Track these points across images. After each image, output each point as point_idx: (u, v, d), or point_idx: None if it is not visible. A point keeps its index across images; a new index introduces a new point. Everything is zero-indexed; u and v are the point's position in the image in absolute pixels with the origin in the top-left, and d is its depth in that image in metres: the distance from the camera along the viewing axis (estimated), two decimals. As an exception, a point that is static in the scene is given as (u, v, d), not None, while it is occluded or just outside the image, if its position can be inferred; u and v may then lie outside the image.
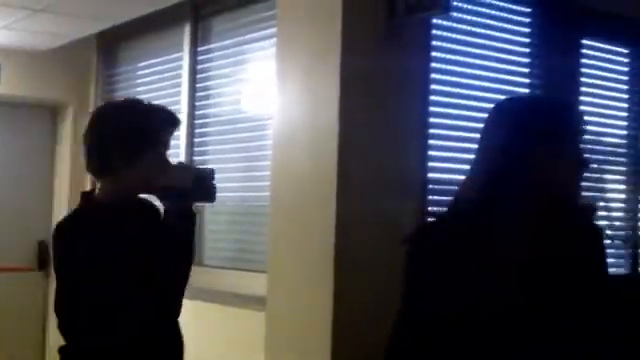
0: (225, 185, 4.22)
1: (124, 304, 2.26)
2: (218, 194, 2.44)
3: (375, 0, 3.60)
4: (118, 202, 2.38)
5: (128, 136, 2.33)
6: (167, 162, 2.39)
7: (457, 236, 1.79)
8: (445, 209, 1.98)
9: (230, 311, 4.31)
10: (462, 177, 4.10)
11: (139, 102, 2.49)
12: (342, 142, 3.50)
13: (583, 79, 4.65)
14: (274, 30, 4.02)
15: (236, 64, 4.55)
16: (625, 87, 4.91)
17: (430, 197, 3.92)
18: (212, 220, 4.75)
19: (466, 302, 1.71)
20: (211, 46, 4.72)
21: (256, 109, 4.47)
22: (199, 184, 2.39)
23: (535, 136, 1.87)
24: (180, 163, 2.69)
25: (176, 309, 2.44)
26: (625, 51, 4.93)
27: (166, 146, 2.40)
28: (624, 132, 4.91)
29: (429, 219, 2.13)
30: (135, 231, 2.35)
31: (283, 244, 3.77)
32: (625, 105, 4.91)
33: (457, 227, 1.82)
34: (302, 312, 3.63)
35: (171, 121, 2.44)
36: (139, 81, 5.46)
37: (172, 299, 2.41)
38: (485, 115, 4.20)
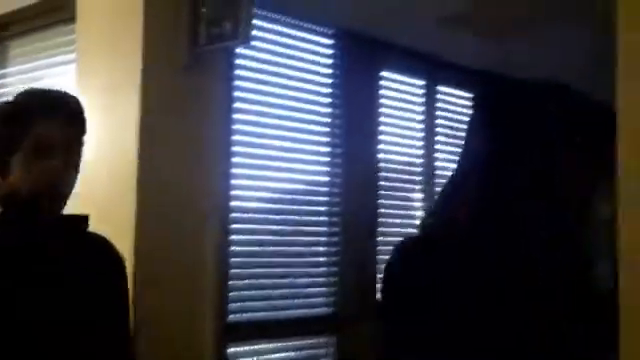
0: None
1: None
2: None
3: (177, 29, 3.60)
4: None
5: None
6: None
7: (446, 255, 1.49)
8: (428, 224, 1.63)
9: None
10: (264, 205, 4.22)
11: None
12: (142, 171, 3.46)
13: (382, 109, 4.86)
14: (73, 56, 3.93)
15: (35, 89, 4.39)
16: (421, 117, 5.18)
17: (233, 226, 3.97)
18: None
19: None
20: (8, 70, 4.54)
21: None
22: None
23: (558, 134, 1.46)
24: None
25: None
26: (421, 83, 5.20)
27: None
28: (419, 160, 5.17)
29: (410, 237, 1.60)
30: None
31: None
32: (420, 135, 5.18)
33: (446, 246, 1.50)
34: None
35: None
36: None
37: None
38: (288, 144, 4.30)
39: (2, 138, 1.98)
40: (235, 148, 4.00)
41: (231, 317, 3.94)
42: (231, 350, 3.93)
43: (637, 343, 1.45)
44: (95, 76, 3.74)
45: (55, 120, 1.99)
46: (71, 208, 3.63)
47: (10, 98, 2.12)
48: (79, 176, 2.27)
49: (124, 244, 3.42)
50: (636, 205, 1.65)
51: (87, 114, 3.47)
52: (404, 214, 5.11)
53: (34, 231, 1.96)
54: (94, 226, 3.61)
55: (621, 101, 2.61)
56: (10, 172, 1.95)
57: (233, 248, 3.97)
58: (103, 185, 3.61)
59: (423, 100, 5.20)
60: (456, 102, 5.43)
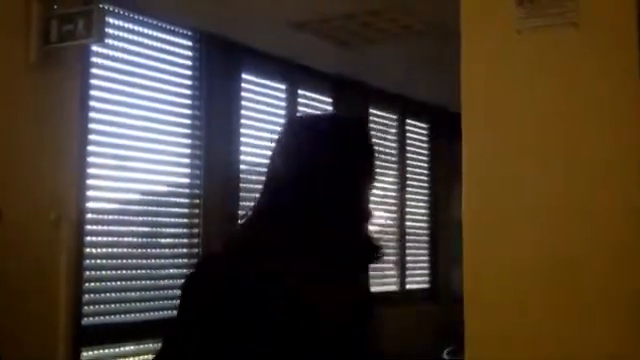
0: None
1: None
2: None
3: (28, 26, 3.51)
4: None
5: None
6: None
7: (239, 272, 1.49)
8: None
9: None
10: (122, 206, 4.16)
11: None
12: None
13: (243, 111, 4.88)
14: None
15: None
16: (282, 120, 5.24)
17: (89, 227, 3.90)
18: None
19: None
20: None
21: None
22: None
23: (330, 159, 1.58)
24: None
25: None
26: (282, 87, 5.25)
27: None
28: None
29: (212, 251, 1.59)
30: None
31: None
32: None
33: (240, 261, 1.52)
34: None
35: None
36: None
37: None
38: (147, 144, 4.25)
39: None
40: (92, 148, 3.93)
41: (88, 320, 3.86)
42: (88, 354, 3.85)
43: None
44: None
45: None
46: None
47: None
48: None
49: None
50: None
51: None
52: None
53: None
54: None
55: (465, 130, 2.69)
56: None
57: (89, 250, 3.89)
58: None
59: (284, 104, 5.26)
60: (317, 106, 5.52)
